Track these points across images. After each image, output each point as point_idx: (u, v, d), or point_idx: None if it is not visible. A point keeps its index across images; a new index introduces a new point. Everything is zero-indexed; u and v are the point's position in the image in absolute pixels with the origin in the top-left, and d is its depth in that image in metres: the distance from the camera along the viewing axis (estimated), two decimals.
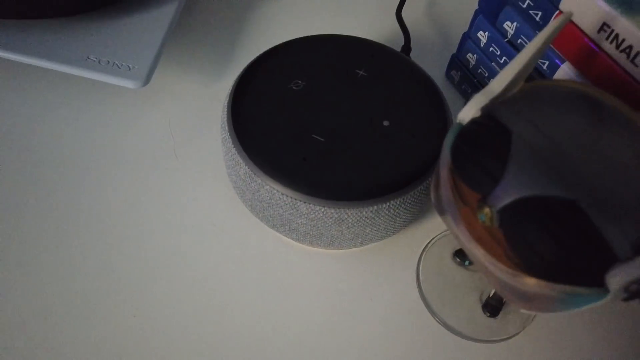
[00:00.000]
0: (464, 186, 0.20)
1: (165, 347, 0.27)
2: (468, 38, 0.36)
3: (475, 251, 0.20)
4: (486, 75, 0.35)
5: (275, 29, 0.40)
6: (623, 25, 0.25)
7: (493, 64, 0.34)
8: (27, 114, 0.34)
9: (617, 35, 0.25)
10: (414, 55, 0.39)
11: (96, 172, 0.32)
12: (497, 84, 0.21)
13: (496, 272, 0.20)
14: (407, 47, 0.36)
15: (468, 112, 0.21)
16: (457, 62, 0.37)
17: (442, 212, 0.22)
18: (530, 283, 0.19)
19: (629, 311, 0.30)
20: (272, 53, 0.31)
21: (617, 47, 0.26)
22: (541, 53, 0.21)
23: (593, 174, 0.18)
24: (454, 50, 0.40)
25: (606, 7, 0.25)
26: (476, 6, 0.40)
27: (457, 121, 0.21)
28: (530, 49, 0.21)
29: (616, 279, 0.17)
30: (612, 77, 0.26)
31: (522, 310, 0.22)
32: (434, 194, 0.23)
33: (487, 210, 0.19)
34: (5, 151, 0.33)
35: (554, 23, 0.21)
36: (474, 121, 0.21)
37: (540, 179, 0.18)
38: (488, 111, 0.21)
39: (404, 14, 0.42)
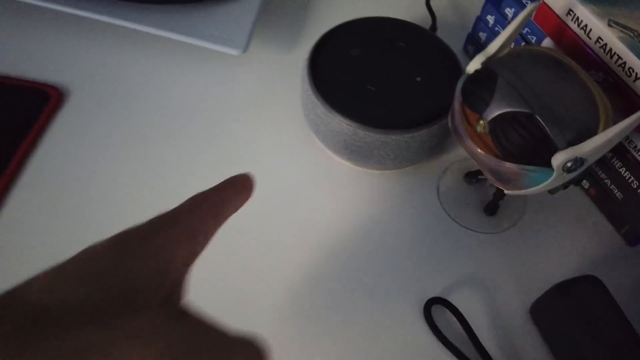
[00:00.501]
0: (469, 111, 0.33)
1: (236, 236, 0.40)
2: (480, 20, 0.47)
3: (476, 151, 0.33)
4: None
5: (337, 12, 0.53)
6: (581, 10, 0.37)
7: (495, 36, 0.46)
8: (154, 75, 0.48)
9: (577, 17, 0.37)
10: (439, 33, 0.51)
11: (206, 115, 0.46)
12: (492, 47, 0.33)
13: (488, 162, 0.32)
14: (434, 27, 0.48)
15: (473, 65, 0.33)
16: (472, 38, 0.49)
17: (456, 132, 0.34)
18: (507, 166, 0.31)
19: (582, 215, 0.42)
20: (337, 29, 0.44)
21: (578, 25, 0.37)
22: (520, 28, 0.33)
23: (547, 99, 0.30)
24: (470, 29, 0.52)
25: None
26: None
27: (466, 71, 0.34)
28: (513, 25, 0.33)
29: (557, 160, 0.30)
30: (575, 46, 0.38)
31: (506, 191, 0.34)
32: (450, 121, 0.35)
33: (482, 122, 0.32)
34: (142, 102, 0.46)
35: (527, 9, 0.33)
36: (476, 71, 0.33)
37: (512, 102, 0.30)
38: (485, 65, 0.33)
39: (432, 2, 0.54)
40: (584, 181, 0.42)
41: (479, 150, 0.32)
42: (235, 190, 0.23)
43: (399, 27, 0.44)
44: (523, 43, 0.43)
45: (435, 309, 0.37)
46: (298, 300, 0.37)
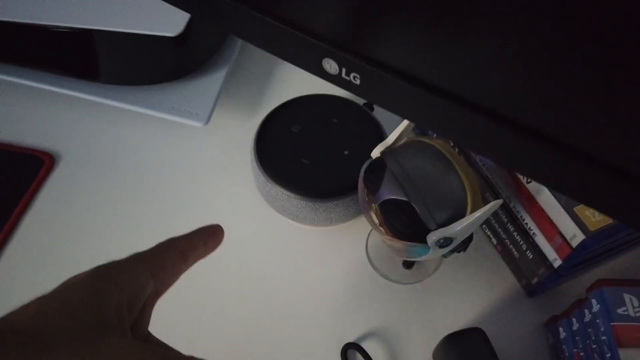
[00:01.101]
0: (368, 193, 0.40)
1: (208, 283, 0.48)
2: None
3: (375, 229, 0.40)
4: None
5: (288, 85, 0.60)
6: None
7: None
8: (131, 143, 0.56)
9: None
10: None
11: (175, 178, 0.54)
12: (390, 138, 0.40)
13: (384, 238, 0.39)
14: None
15: (374, 153, 0.40)
16: None
17: (360, 208, 0.41)
18: (395, 242, 0.38)
19: (491, 268, 0.48)
20: (280, 108, 0.51)
21: None
22: (412, 125, 0.40)
23: (423, 188, 0.37)
24: None
25: None
26: None
27: (370, 158, 0.41)
28: (404, 123, 0.40)
29: (429, 239, 0.36)
30: None
31: (399, 257, 0.41)
32: (359, 199, 0.42)
33: (374, 205, 0.39)
34: (121, 166, 0.54)
35: None
36: (375, 159, 0.40)
37: (394, 190, 0.37)
38: (382, 154, 0.40)
39: None
40: (493, 238, 0.49)
41: (375, 225, 0.39)
42: (203, 238, 0.29)
43: (335, 104, 0.52)
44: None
45: (351, 353, 0.44)
46: (231, 336, 0.44)
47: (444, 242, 0.37)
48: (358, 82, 0.27)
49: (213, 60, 0.58)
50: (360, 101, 0.59)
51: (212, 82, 0.56)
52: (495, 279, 0.48)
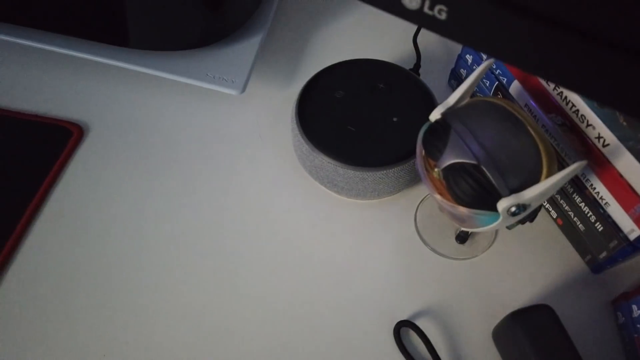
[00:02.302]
0: (428, 158, 0.36)
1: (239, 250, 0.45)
2: (460, 58, 0.51)
3: (434, 194, 0.37)
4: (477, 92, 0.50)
5: (327, 51, 0.57)
6: None
7: None
8: (163, 113, 0.53)
9: None
10: (425, 70, 0.55)
11: (210, 149, 0.51)
12: (451, 99, 0.37)
13: (445, 205, 0.36)
14: (417, 65, 0.52)
15: (434, 115, 0.37)
16: (454, 74, 0.53)
17: (419, 174, 0.38)
18: (460, 209, 0.35)
19: (550, 244, 0.45)
20: (323, 72, 0.48)
21: None
22: (477, 82, 0.37)
23: (493, 150, 0.34)
24: (453, 66, 0.55)
25: None
26: None
27: (429, 120, 0.38)
28: (470, 79, 0.36)
29: (501, 206, 0.33)
30: (538, 91, 0.41)
31: (462, 228, 0.38)
32: (416, 165, 0.39)
33: (437, 170, 0.35)
34: (152, 137, 0.51)
35: (482, 65, 0.36)
36: (436, 121, 0.37)
37: (461, 153, 0.34)
38: (444, 115, 0.37)
39: (419, 39, 0.57)
40: (552, 211, 0.45)
41: (436, 193, 0.36)
42: None
43: (381, 69, 0.48)
44: (496, 83, 0.46)
45: (405, 331, 0.41)
46: (278, 316, 0.42)
47: (517, 210, 0.33)
48: (444, 16, 0.23)
49: (248, 26, 0.54)
50: (405, 66, 0.56)
51: (247, 48, 0.53)
52: (555, 254, 0.45)
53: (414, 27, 0.58)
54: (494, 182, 0.33)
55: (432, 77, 0.55)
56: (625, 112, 0.22)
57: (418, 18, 0.24)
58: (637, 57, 0.20)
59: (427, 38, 0.57)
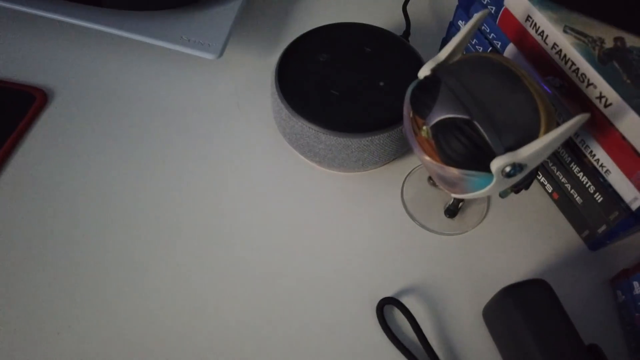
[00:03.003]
0: (416, 116, 0.33)
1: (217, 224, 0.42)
2: (452, 26, 0.48)
3: (422, 156, 0.34)
4: (464, 52, 0.47)
5: (312, 17, 0.54)
6: (539, 16, 0.37)
7: (469, 45, 0.46)
8: (135, 79, 0.50)
9: (535, 23, 0.38)
10: (415, 39, 0.52)
11: (183, 116, 0.47)
12: (442, 54, 0.34)
13: (433, 167, 0.33)
14: (407, 33, 0.49)
15: (423, 72, 0.34)
16: (446, 43, 0.50)
17: (406, 137, 0.35)
18: (450, 171, 0.32)
19: (545, 219, 0.42)
20: (306, 35, 0.45)
21: (536, 31, 0.38)
22: (470, 35, 0.34)
23: (487, 105, 0.31)
24: (444, 34, 0.52)
25: (528, 4, 0.37)
26: None
27: (418, 77, 0.35)
28: (462, 32, 0.33)
29: (495, 165, 0.30)
30: (535, 52, 0.39)
31: (452, 195, 0.35)
32: (404, 127, 0.36)
33: (425, 128, 0.32)
34: (122, 104, 0.48)
35: (474, 17, 0.33)
36: (425, 77, 0.34)
37: (452, 107, 0.31)
38: (434, 71, 0.34)
39: (410, 7, 0.54)
40: (547, 185, 0.43)
41: (424, 155, 0.33)
42: None
43: (368, 33, 0.45)
44: (490, 49, 0.43)
45: (389, 309, 0.38)
46: (255, 292, 0.38)
47: (512, 171, 0.30)
48: None
49: None
50: (394, 32, 0.53)
51: (226, 10, 0.49)
52: (550, 230, 0.42)
53: None
54: (487, 139, 0.30)
55: (422, 47, 0.52)
56: None
57: None
58: None
59: (418, 7, 0.55)
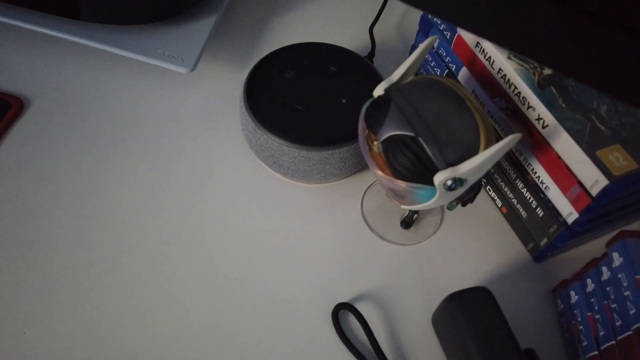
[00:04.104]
0: (369, 132, 0.36)
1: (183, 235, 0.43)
2: (414, 47, 0.51)
3: (374, 170, 0.36)
4: (424, 73, 0.50)
5: (284, 36, 0.57)
6: (486, 43, 0.40)
7: (428, 66, 0.49)
8: (109, 90, 0.52)
9: (483, 49, 0.41)
10: (379, 59, 0.55)
11: (156, 127, 0.49)
12: (395, 75, 0.37)
13: (384, 180, 0.36)
14: (371, 54, 0.52)
15: (377, 91, 0.37)
16: None
17: (362, 150, 0.38)
18: (398, 183, 0.35)
19: (494, 231, 0.45)
20: (275, 53, 0.47)
21: (485, 57, 0.41)
22: (421, 59, 0.37)
23: (431, 124, 0.33)
24: (407, 56, 0.55)
25: None
26: None
27: (373, 96, 0.37)
28: (413, 55, 0.36)
29: (437, 179, 0.33)
30: (484, 75, 0.42)
31: (402, 206, 0.37)
32: (359, 141, 0.38)
33: (376, 143, 0.35)
34: (97, 114, 0.50)
35: (425, 42, 0.36)
36: (379, 96, 0.36)
37: (400, 125, 0.33)
38: (387, 91, 0.36)
39: (376, 29, 0.57)
40: (497, 199, 0.45)
41: (376, 168, 0.36)
42: None
43: (333, 53, 0.48)
44: (446, 71, 0.46)
45: (344, 315, 0.40)
46: (216, 296, 0.40)
47: (453, 184, 0.33)
48: None
49: (203, 4, 0.54)
50: (361, 52, 0.55)
51: (201, 26, 0.52)
52: (499, 242, 0.44)
53: (372, 17, 0.59)
54: (430, 154, 0.33)
55: (386, 67, 0.55)
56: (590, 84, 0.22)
57: None
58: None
59: (384, 29, 0.58)
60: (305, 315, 0.40)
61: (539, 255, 0.42)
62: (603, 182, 0.33)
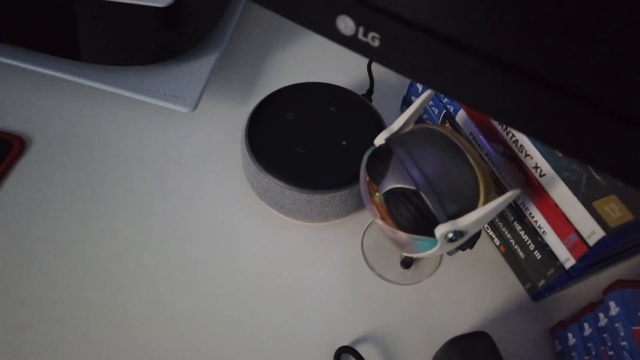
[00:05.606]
0: (371, 182, 0.37)
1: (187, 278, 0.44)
2: (412, 85, 0.52)
3: (376, 219, 0.37)
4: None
5: (283, 73, 0.57)
6: None
7: (426, 106, 0.50)
8: (110, 129, 0.52)
9: None
10: (377, 96, 0.56)
11: (157, 166, 0.50)
12: (395, 125, 0.37)
13: (385, 229, 0.36)
14: (370, 91, 0.53)
15: (378, 140, 0.37)
16: (406, 101, 0.54)
17: (363, 198, 0.38)
18: (400, 235, 0.35)
19: (493, 271, 0.45)
20: (275, 94, 0.48)
21: None
22: (421, 110, 0.37)
23: (432, 177, 0.34)
24: (405, 92, 0.56)
25: None
26: None
27: (374, 145, 0.38)
28: (413, 107, 0.37)
29: (438, 232, 0.34)
30: (483, 120, 0.42)
31: (403, 253, 0.38)
32: (360, 189, 0.39)
33: (378, 194, 0.35)
34: (98, 153, 0.50)
35: (424, 95, 0.37)
36: (380, 146, 0.37)
37: (401, 178, 0.34)
38: (387, 140, 0.37)
39: (374, 66, 0.58)
40: (496, 239, 0.46)
41: (378, 218, 0.36)
42: None
43: (333, 93, 0.49)
44: (444, 112, 0.47)
45: (345, 358, 0.41)
46: (216, 336, 0.40)
47: (454, 237, 0.34)
48: (377, 43, 0.24)
49: (203, 43, 0.54)
50: (358, 91, 0.56)
51: (201, 65, 0.52)
52: (498, 281, 0.45)
53: None
54: (432, 208, 0.34)
55: (384, 104, 0.56)
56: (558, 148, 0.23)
57: (352, 44, 0.25)
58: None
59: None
60: (307, 358, 0.40)
61: (536, 295, 0.43)
62: (600, 233, 0.34)
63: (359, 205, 0.46)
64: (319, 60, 0.59)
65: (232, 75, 0.57)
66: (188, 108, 0.49)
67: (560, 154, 0.37)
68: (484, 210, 0.33)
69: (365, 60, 0.59)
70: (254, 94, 0.56)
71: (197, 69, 0.52)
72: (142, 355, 0.40)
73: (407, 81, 0.57)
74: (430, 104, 0.49)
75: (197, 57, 0.53)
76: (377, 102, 0.56)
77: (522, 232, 0.42)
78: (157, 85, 0.50)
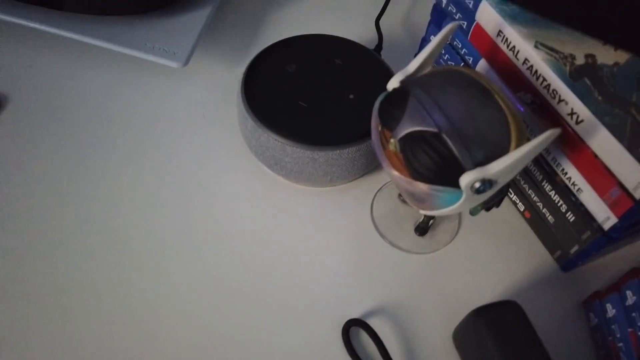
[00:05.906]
0: (384, 129, 0.32)
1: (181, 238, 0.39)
2: (424, 41, 0.47)
3: (390, 170, 0.32)
4: (434, 65, 0.47)
5: (284, 29, 0.53)
6: (510, 32, 0.36)
7: (441, 60, 0.46)
8: (95, 86, 0.47)
9: (507, 39, 0.37)
10: (387, 53, 0.51)
11: (146, 125, 0.45)
12: (411, 66, 0.33)
13: (401, 182, 0.32)
14: (379, 47, 0.48)
15: (392, 83, 0.33)
16: None
17: (374, 149, 0.34)
18: (418, 186, 0.31)
19: (517, 238, 0.41)
20: (275, 45, 0.43)
21: (508, 47, 0.37)
22: (439, 48, 0.33)
23: (456, 119, 0.29)
24: (417, 50, 0.52)
25: (499, 19, 0.37)
26: None
27: (386, 89, 0.33)
28: (432, 44, 0.32)
29: (464, 181, 0.29)
30: (506, 68, 0.38)
31: (421, 211, 0.34)
32: (372, 140, 0.35)
33: (393, 141, 0.31)
34: (81, 111, 0.46)
35: (444, 29, 0.32)
36: (394, 89, 0.33)
37: (420, 120, 0.30)
38: (403, 83, 0.32)
39: (383, 22, 0.54)
40: (519, 203, 0.42)
41: (392, 169, 0.32)
42: None
43: (338, 45, 0.44)
44: (462, 64, 0.42)
45: (355, 331, 0.36)
46: (217, 311, 0.36)
47: (482, 187, 0.29)
48: None
49: None
50: (367, 46, 0.52)
51: (194, 18, 0.48)
52: (522, 251, 0.41)
53: (378, 9, 0.55)
54: (456, 153, 0.29)
55: (394, 62, 0.51)
56: None
57: None
58: None
59: (391, 22, 0.54)
60: (314, 332, 0.36)
61: (567, 263, 0.39)
62: None
63: (368, 166, 0.41)
64: (323, 16, 0.54)
65: (228, 30, 0.53)
66: (179, 63, 0.45)
67: (599, 97, 0.32)
68: (518, 154, 0.28)
69: (373, 16, 0.54)
70: (252, 49, 0.51)
71: (190, 22, 0.48)
72: (142, 319, 0.35)
73: (418, 39, 0.53)
74: (445, 57, 0.44)
75: (190, 9, 0.48)
76: (387, 56, 0.51)
77: (552, 193, 0.38)
78: (145, 39, 0.46)
